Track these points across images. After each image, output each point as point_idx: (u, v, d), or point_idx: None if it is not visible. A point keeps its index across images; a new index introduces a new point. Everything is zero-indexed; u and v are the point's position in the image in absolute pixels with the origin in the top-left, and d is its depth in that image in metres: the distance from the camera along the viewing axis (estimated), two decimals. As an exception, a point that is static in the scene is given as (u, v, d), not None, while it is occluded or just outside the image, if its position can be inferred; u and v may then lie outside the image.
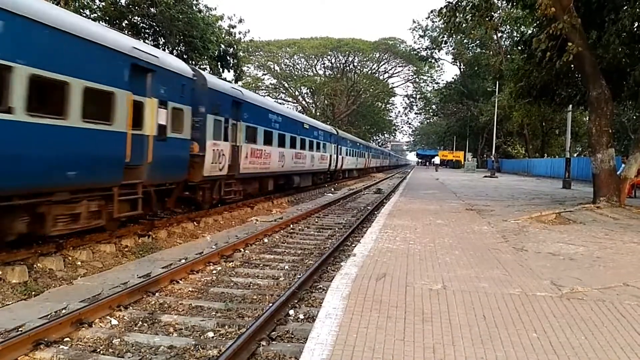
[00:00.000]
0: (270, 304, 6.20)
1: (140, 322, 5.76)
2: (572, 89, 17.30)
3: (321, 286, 7.32)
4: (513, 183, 32.02)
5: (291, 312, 6.15)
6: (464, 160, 72.36)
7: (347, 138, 41.09)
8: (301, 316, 6.03)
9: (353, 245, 9.65)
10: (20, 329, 5.25)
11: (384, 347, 3.74)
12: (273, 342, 5.15)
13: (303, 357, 3.58)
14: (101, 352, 4.91)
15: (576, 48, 12.43)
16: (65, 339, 5.11)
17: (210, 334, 5.50)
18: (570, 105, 20.36)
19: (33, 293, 6.81)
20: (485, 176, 41.23)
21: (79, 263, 8.46)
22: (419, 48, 67.69)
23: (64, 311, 5.89)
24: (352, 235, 11.75)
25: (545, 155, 56.33)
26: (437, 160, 71.96)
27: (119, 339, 5.18)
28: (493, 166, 47.40)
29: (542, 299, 5.05)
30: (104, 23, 23.59)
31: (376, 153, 66.52)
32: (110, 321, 5.74)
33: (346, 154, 38.81)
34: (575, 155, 49.37)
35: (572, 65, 14.76)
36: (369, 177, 51.13)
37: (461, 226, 10.28)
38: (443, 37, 44.67)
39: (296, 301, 6.57)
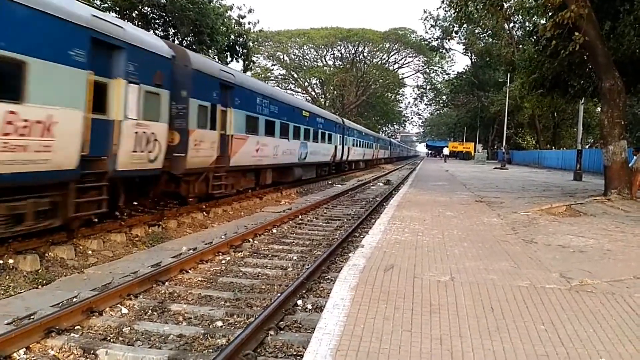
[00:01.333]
0: (279, 294, 6.24)
1: (150, 311, 5.83)
2: (585, 80, 17.10)
3: (329, 277, 7.34)
4: (523, 175, 31.80)
5: (299, 302, 6.19)
6: (474, 152, 71.91)
7: (355, 128, 38.56)
8: (309, 306, 6.05)
9: (361, 236, 9.65)
10: (32, 317, 5.31)
11: (391, 337, 3.75)
12: (281, 332, 5.19)
13: (311, 346, 3.60)
14: (111, 340, 4.97)
15: (582, 37, 12.26)
16: (76, 327, 5.18)
17: (219, 323, 5.55)
18: (583, 97, 20.12)
19: (44, 281, 6.90)
20: (496, 168, 40.97)
21: (90, 252, 8.55)
22: (429, 38, 67.00)
23: (75, 300, 5.97)
24: (361, 226, 11.76)
25: (554, 147, 55.83)
26: (445, 151, 71.65)
27: (129, 328, 5.24)
28: (503, 158, 47.00)
29: (551, 291, 5.03)
30: (114, 14, 23.67)
31: (384, 144, 63.91)
32: (121, 310, 5.80)
33: (353, 145, 36.45)
34: (587, 147, 48.93)
35: (585, 56, 14.59)
36: (378, 169, 51.00)
37: (470, 218, 10.25)
38: (454, 27, 44.25)
39: (304, 291, 6.60)
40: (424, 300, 4.63)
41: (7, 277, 6.82)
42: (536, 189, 18.89)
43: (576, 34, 12.37)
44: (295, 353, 4.71)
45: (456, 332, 3.90)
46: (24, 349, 4.56)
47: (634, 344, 3.78)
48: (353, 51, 79.20)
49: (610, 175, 13.65)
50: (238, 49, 32.45)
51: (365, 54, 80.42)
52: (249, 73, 35.17)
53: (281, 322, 5.44)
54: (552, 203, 12.44)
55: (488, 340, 3.77)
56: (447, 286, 5.11)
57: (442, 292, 4.88)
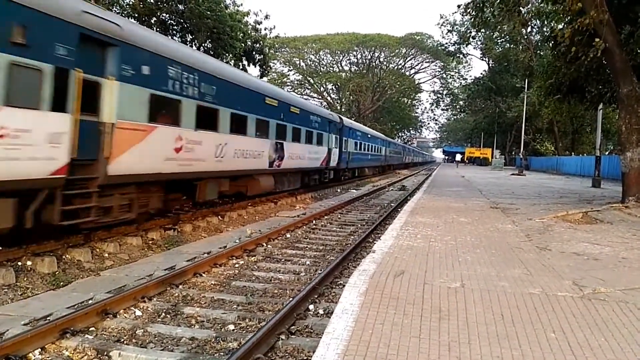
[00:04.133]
0: (291, 299, 6.26)
1: (163, 314, 5.90)
2: (603, 86, 16.91)
3: (341, 282, 7.34)
4: (541, 181, 31.48)
5: (311, 307, 6.21)
6: (492, 158, 71.35)
7: (392, 142, 53.97)
8: (321, 311, 6.08)
9: (375, 242, 9.66)
10: (48, 318, 5.42)
11: (399, 343, 3.76)
12: (292, 336, 5.22)
13: (318, 351, 3.64)
14: (125, 342, 5.05)
15: (603, 44, 12.14)
16: (90, 329, 5.28)
17: (231, 327, 5.60)
18: (601, 103, 19.88)
19: (61, 283, 7.03)
20: (513, 174, 40.62)
21: (106, 255, 8.69)
22: (446, 43, 66.75)
23: (90, 301, 6.06)
24: (375, 232, 11.75)
25: (573, 153, 55.11)
26: (458, 157, 72.06)
27: (142, 330, 5.32)
28: (521, 164, 46.60)
29: (563, 299, 5.00)
30: (132, 20, 24.03)
31: (409, 151, 78.65)
32: (135, 312, 5.89)
33: (390, 153, 50.22)
34: (606, 153, 48.23)
35: (604, 61, 14.44)
36: (394, 174, 50.88)
37: (484, 224, 10.19)
38: (471, 32, 44.02)
39: (316, 296, 6.62)
40: (434, 307, 4.63)
41: (25, 279, 6.97)
42: (553, 196, 18.69)
43: (597, 40, 12.25)
44: (305, 358, 4.74)
45: (465, 339, 3.89)
46: (39, 349, 4.66)
47: (645, 353, 3.74)
48: (369, 56, 79.32)
49: (628, 182, 13.47)
50: (255, 55, 32.70)
51: (381, 59, 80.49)
52: (265, 79, 35.34)
53: (292, 327, 5.47)
54: (568, 210, 12.31)
55: (497, 347, 3.76)
56: (458, 292, 5.10)
57: (452, 299, 4.88)
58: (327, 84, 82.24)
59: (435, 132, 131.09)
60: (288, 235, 11.37)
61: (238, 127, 13.53)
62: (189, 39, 28.29)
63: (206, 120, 11.67)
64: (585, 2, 12.29)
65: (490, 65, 69.52)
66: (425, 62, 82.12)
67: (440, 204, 14.38)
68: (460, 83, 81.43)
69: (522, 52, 50.11)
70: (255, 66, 33.66)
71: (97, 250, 8.77)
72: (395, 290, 5.11)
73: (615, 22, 13.53)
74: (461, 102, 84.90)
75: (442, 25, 63.79)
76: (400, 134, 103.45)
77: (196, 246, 9.98)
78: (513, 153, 72.70)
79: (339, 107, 78.47)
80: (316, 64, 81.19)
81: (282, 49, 71.64)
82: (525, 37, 50.64)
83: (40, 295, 6.49)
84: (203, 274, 7.68)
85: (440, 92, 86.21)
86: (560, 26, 18.98)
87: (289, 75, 79.30)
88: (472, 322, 4.26)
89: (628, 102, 13.33)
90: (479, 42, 63.09)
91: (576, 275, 5.98)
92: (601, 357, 3.64)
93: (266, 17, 32.84)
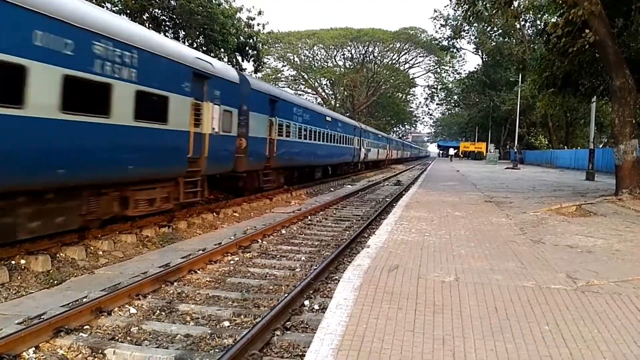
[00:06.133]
0: (286, 295, 6.27)
1: (158, 311, 5.89)
2: (596, 78, 16.94)
3: (337, 277, 7.34)
4: (535, 175, 31.56)
5: (306, 302, 6.23)
6: (486, 152, 71.47)
7: (406, 143, 64.69)
8: (316, 307, 6.09)
9: (369, 237, 9.66)
10: (41, 317, 5.39)
11: (393, 337, 3.77)
12: (287, 332, 5.22)
13: (312, 346, 3.64)
14: (119, 339, 5.04)
15: (593, 36, 12.15)
16: (85, 327, 5.26)
17: (226, 323, 5.60)
18: (594, 96, 19.93)
19: (55, 282, 7.00)
20: (507, 168, 40.71)
21: (101, 253, 8.66)
22: (440, 38, 66.66)
23: (84, 300, 6.05)
24: (370, 226, 11.76)
25: (567, 147, 55.29)
26: (451, 151, 72.85)
27: (137, 327, 5.31)
28: (515, 157, 46.70)
29: (557, 291, 5.02)
30: (124, 16, 23.88)
31: (411, 148, 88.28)
32: (129, 310, 5.87)
33: (403, 150, 65.19)
34: (600, 146, 48.39)
35: (596, 54, 14.47)
36: (389, 169, 50.96)
37: (478, 218, 10.22)
38: (463, 25, 43.94)
39: (311, 292, 6.64)
40: (428, 301, 4.63)
41: (18, 278, 6.94)
42: (547, 189, 18.75)
43: (587, 31, 12.26)
44: (301, 353, 4.74)
45: (459, 333, 3.90)
46: (34, 348, 4.65)
47: (638, 344, 3.76)
48: (363, 51, 79.16)
49: (622, 174, 13.52)
50: (248, 51, 32.54)
51: (375, 54, 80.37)
52: (259, 74, 35.24)
53: (288, 323, 5.48)
54: (562, 203, 12.36)
55: (491, 340, 3.77)
56: (452, 286, 5.11)
57: (446, 293, 4.89)
58: (321, 79, 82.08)
59: (430, 127, 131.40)
60: (283, 231, 11.37)
61: None
62: (181, 35, 28.12)
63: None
64: None
65: (484, 59, 69.51)
66: (420, 56, 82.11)
67: (435, 198, 14.40)
68: (455, 77, 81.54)
69: (516, 45, 50.08)
70: (249, 62, 33.51)
71: (92, 248, 8.74)
72: (390, 284, 5.12)
73: (609, 15, 13.54)
74: (455, 97, 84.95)
75: (435, 19, 63.84)
76: (395, 129, 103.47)
77: (191, 243, 9.96)
78: (507, 147, 72.80)
79: (333, 103, 78.34)
80: (310, 59, 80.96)
81: (276, 45, 71.38)
82: (519, 30, 50.64)
83: (34, 293, 6.46)
84: (198, 271, 7.67)
85: (435, 86, 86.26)
86: (553, 19, 19.00)
87: (283, 70, 79.13)
88: (466, 316, 4.27)
89: (621, 94, 13.36)
90: (472, 36, 63.11)
91: (570, 267, 6.01)
92: (595, 349, 3.66)
93: (259, 13, 32.64)
